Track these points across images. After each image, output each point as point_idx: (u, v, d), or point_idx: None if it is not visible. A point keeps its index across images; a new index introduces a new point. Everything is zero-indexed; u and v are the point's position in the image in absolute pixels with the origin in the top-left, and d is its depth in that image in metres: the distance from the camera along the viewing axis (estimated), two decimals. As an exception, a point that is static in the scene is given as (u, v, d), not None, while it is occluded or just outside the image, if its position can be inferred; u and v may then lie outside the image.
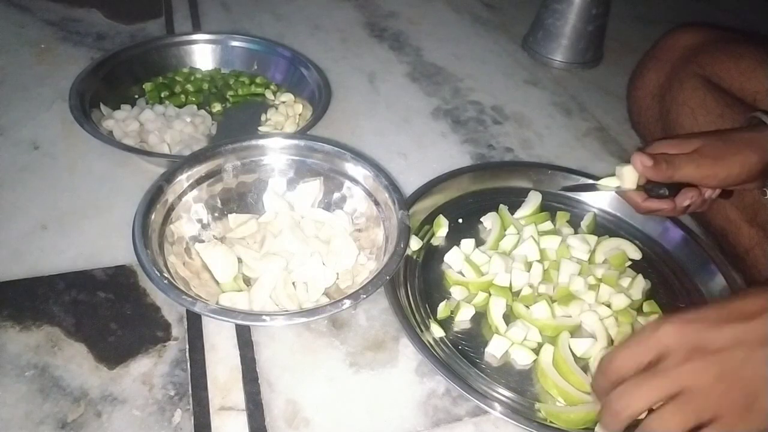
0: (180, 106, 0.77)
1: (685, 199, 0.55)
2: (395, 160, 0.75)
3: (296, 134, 0.69)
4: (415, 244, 0.61)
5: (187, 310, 0.54)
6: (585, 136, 0.84)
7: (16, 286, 0.55)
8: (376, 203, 0.60)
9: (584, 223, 0.67)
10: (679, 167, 0.51)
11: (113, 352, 0.51)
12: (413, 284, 0.59)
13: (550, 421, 0.48)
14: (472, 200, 0.69)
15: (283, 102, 0.80)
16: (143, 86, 0.79)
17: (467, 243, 0.62)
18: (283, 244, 0.57)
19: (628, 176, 0.53)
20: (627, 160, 0.53)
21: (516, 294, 0.58)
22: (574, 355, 0.53)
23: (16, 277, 0.56)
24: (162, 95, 0.79)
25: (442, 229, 0.64)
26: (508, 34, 1.07)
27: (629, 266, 0.62)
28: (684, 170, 0.51)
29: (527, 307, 0.56)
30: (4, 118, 0.74)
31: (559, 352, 0.52)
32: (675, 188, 0.54)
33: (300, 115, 0.79)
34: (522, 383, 0.52)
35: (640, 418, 0.38)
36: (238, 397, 0.49)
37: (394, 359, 0.53)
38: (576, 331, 0.56)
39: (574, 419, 0.48)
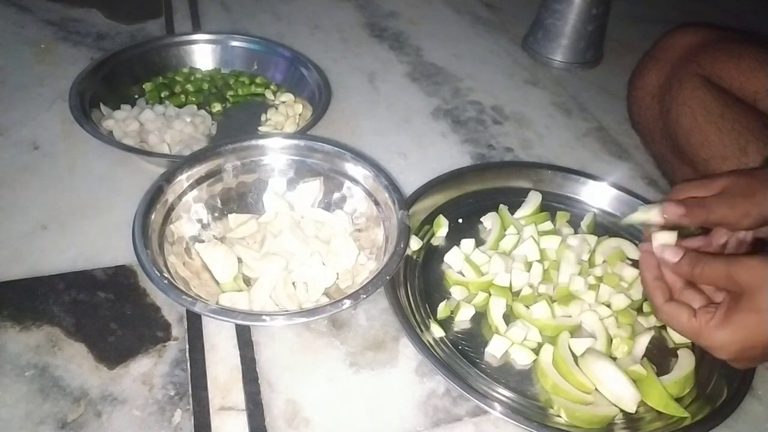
0: (180, 106, 0.77)
1: (721, 236, 0.53)
2: (395, 160, 0.75)
3: (296, 134, 0.69)
4: (415, 244, 0.61)
5: (187, 310, 0.54)
6: (585, 136, 0.84)
7: (16, 286, 0.55)
8: (376, 203, 0.60)
9: (584, 223, 0.67)
10: (712, 210, 0.50)
11: (113, 352, 0.51)
12: (413, 284, 0.59)
13: (567, 419, 0.48)
14: (472, 200, 0.69)
15: (283, 102, 0.80)
16: (143, 86, 0.79)
17: (467, 243, 0.62)
18: (283, 244, 0.57)
19: (655, 218, 0.51)
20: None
21: (516, 294, 0.58)
22: (574, 355, 0.53)
23: (16, 277, 0.56)
24: (162, 95, 0.79)
25: (442, 229, 0.64)
26: (508, 34, 1.07)
27: (629, 266, 0.62)
28: (718, 212, 0.50)
29: (527, 307, 0.56)
30: (4, 118, 0.74)
31: (558, 352, 0.52)
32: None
33: (300, 115, 0.79)
34: (522, 383, 0.52)
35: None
36: (238, 397, 0.49)
37: (394, 359, 0.53)
38: (576, 331, 0.56)
39: (592, 419, 0.48)
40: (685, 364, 0.52)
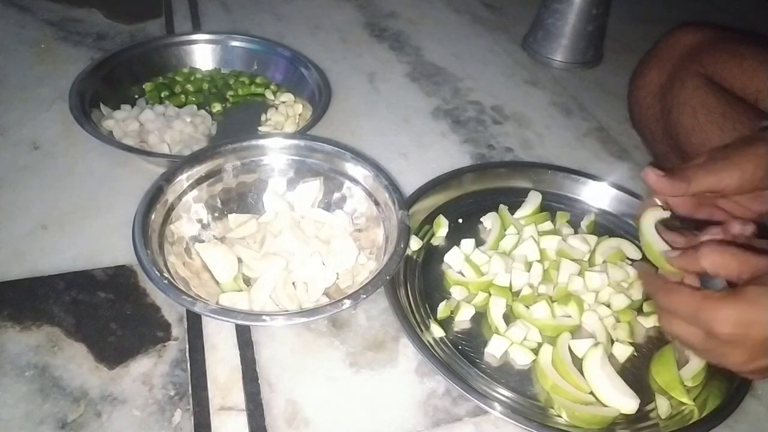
0: (180, 106, 0.77)
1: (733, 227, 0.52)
2: (395, 160, 0.75)
3: (296, 134, 0.69)
4: (415, 244, 0.61)
5: (187, 310, 0.54)
6: (585, 136, 0.84)
7: (16, 286, 0.55)
8: (376, 203, 0.60)
9: (584, 223, 0.67)
10: (690, 177, 0.50)
11: (113, 352, 0.51)
12: (413, 284, 0.59)
13: (567, 419, 0.48)
14: (472, 200, 0.69)
15: (283, 102, 0.80)
16: (143, 86, 0.79)
17: (467, 243, 0.62)
18: (283, 244, 0.57)
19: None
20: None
21: (516, 294, 0.58)
22: (574, 355, 0.53)
23: (16, 277, 0.56)
24: (162, 95, 0.79)
25: (442, 229, 0.64)
26: (508, 34, 1.07)
27: (629, 266, 0.62)
28: (697, 178, 0.50)
29: (527, 307, 0.56)
30: (4, 118, 0.74)
31: (557, 353, 0.52)
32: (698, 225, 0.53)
33: (300, 115, 0.79)
34: (522, 383, 0.52)
35: None
36: (238, 397, 0.49)
37: (394, 359, 0.53)
38: (576, 331, 0.55)
39: (592, 419, 0.48)
40: (697, 360, 0.53)
